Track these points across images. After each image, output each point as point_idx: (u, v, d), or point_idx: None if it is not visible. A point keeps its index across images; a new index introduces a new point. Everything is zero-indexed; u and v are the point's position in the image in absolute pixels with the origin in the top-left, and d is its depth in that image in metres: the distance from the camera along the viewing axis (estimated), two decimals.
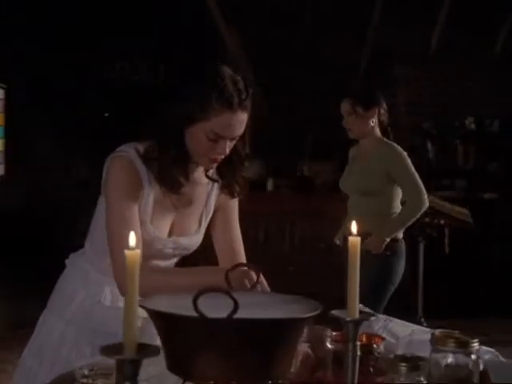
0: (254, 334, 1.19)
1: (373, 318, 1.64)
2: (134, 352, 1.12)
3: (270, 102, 6.89)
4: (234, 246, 2.05)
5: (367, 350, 1.60)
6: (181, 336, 1.21)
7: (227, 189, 2.00)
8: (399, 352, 1.71)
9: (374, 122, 3.87)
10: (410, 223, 3.88)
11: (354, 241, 1.42)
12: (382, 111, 3.92)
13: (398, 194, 3.91)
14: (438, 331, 1.44)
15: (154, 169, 1.84)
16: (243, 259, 2.05)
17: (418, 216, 3.87)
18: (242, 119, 1.81)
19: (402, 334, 1.80)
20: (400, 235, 3.94)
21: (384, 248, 3.80)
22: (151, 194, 1.86)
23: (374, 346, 1.62)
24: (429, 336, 1.67)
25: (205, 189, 2.00)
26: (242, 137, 1.90)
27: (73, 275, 2.00)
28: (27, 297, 5.14)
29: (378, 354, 1.61)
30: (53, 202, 8.81)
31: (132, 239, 1.70)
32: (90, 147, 8.05)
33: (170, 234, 1.95)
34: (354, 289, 1.41)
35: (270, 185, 7.10)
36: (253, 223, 6.85)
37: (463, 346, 1.40)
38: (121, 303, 1.93)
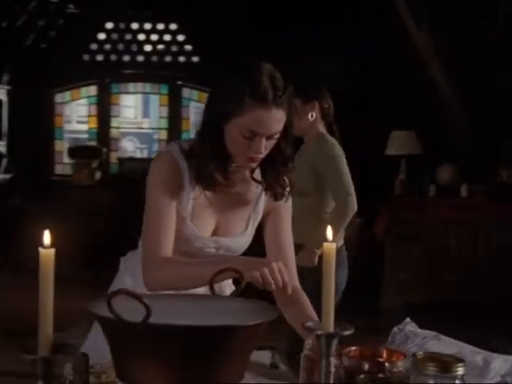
0: (167, 339, 1.15)
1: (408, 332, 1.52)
2: (48, 351, 1.13)
3: (462, 102, 6.57)
4: (283, 252, 1.99)
5: (377, 367, 1.47)
6: (110, 338, 1.21)
7: (270, 191, 1.94)
8: None
9: (313, 116, 3.60)
10: (340, 229, 3.49)
11: (329, 247, 1.33)
12: (326, 106, 3.64)
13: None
14: (419, 353, 1.29)
15: (194, 166, 1.84)
16: (291, 266, 1.99)
17: (347, 221, 3.50)
18: (277, 116, 1.76)
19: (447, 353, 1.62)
20: (339, 242, 3.55)
21: (318, 260, 3.42)
22: (192, 191, 1.86)
23: (387, 364, 1.48)
24: (479, 358, 1.51)
25: (254, 191, 1.96)
26: (286, 137, 1.84)
27: (123, 273, 2.06)
28: None
29: (390, 372, 1.47)
30: None
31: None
32: None
33: (215, 233, 1.94)
34: (328, 300, 1.32)
35: (463, 191, 6.74)
36: (443, 230, 6.57)
37: (446, 371, 1.24)
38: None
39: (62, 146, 10.06)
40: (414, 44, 6.74)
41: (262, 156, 1.81)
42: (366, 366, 1.49)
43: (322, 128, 3.64)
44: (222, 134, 1.80)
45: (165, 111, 10.36)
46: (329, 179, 3.46)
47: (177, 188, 1.85)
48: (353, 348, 1.57)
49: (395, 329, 1.71)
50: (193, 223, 1.88)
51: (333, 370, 1.30)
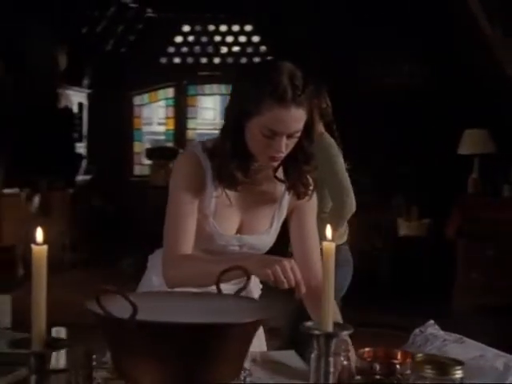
0: (156, 336, 1.16)
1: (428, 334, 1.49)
2: (41, 346, 1.16)
3: None
4: (308, 250, 1.98)
5: (388, 368, 1.45)
6: (105, 335, 1.23)
7: (293, 189, 1.93)
8: None
9: None
10: (338, 229, 3.42)
11: (329, 246, 1.31)
12: (324, 105, 3.57)
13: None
14: (418, 355, 1.26)
15: (216, 165, 1.86)
16: (316, 263, 1.97)
17: (344, 221, 3.45)
18: (296, 115, 1.75)
19: (462, 358, 1.57)
20: (341, 240, 3.49)
21: None
22: (214, 190, 1.88)
23: (398, 366, 1.45)
24: (500, 362, 1.48)
25: (279, 189, 1.96)
26: (308, 135, 1.83)
27: (150, 271, 2.09)
28: None
29: (401, 375, 1.44)
30: None
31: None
32: None
33: (239, 231, 1.94)
34: (327, 300, 1.31)
35: None
36: None
37: (444, 373, 1.21)
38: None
39: (140, 148, 10.29)
40: (487, 43, 6.55)
41: (282, 155, 1.80)
42: (378, 368, 1.47)
43: (320, 127, 3.58)
44: (243, 133, 1.80)
45: None
46: (326, 179, 3.40)
47: (199, 186, 1.87)
48: (367, 349, 1.55)
49: (416, 330, 1.67)
50: (216, 221, 1.89)
51: (332, 369, 1.29)
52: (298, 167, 1.89)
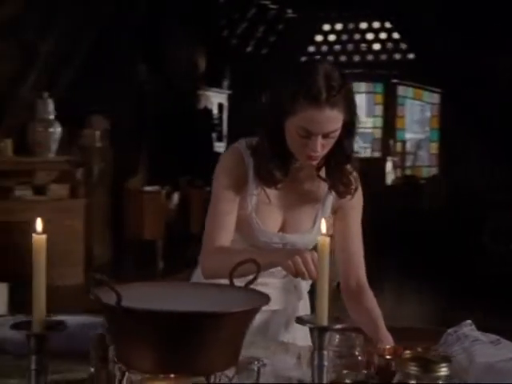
0: (143, 323, 1.21)
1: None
2: (41, 328, 1.25)
3: None
4: (351, 249, 1.96)
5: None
6: (107, 321, 1.30)
7: (333, 189, 1.91)
8: (470, 379, 1.46)
9: None
10: None
11: (324, 240, 1.31)
12: None
13: None
14: (406, 352, 1.23)
15: (256, 163, 1.88)
16: (359, 262, 1.95)
17: None
18: (330, 116, 1.74)
19: (488, 359, 1.50)
20: None
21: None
22: (255, 187, 1.90)
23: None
24: None
25: (323, 188, 1.94)
26: (348, 135, 1.82)
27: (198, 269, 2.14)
28: None
29: None
30: (476, 202, 8.78)
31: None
32: None
33: (282, 229, 1.95)
34: (322, 293, 1.30)
35: None
36: None
37: (428, 371, 1.17)
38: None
39: None
40: None
41: (319, 154, 1.79)
42: (394, 365, 1.44)
43: None
44: (282, 132, 1.82)
45: (379, 110, 10.32)
46: None
47: (241, 182, 1.90)
48: (387, 346, 1.52)
49: (450, 330, 1.61)
50: (258, 218, 1.91)
51: (326, 363, 1.29)
52: (339, 167, 1.87)
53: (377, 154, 10.46)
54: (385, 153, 10.21)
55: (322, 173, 1.91)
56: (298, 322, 1.32)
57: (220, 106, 9.64)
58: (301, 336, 1.99)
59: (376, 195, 9.07)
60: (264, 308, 1.95)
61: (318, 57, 10.55)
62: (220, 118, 9.61)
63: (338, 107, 1.74)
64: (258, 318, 1.89)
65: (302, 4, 10.11)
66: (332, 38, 10.71)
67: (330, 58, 10.59)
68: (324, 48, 10.69)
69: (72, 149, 7.22)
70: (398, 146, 10.26)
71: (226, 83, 9.81)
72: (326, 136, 1.77)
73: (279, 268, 1.93)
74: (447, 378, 1.16)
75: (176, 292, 1.42)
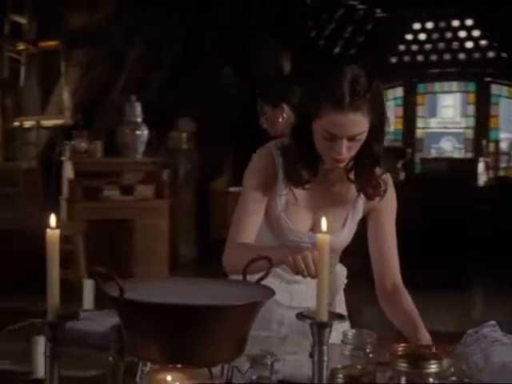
0: (146, 315, 1.27)
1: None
2: (55, 317, 1.34)
3: None
4: (384, 250, 1.96)
5: None
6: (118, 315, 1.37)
7: (361, 191, 1.92)
8: (485, 379, 1.45)
9: (284, 118, 3.54)
10: None
11: (324, 238, 1.34)
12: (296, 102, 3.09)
13: None
14: (400, 348, 1.23)
15: (285, 163, 1.91)
16: (393, 264, 1.94)
17: None
18: (354, 120, 1.75)
19: (503, 359, 1.47)
20: None
21: None
22: (284, 186, 1.93)
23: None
24: None
25: (352, 190, 1.95)
26: (376, 138, 1.82)
27: None
28: None
29: None
30: None
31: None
32: None
33: (312, 229, 1.97)
34: (323, 289, 1.33)
35: None
36: None
37: (418, 367, 1.18)
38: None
39: None
40: None
41: (345, 157, 1.81)
42: None
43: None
44: (310, 133, 1.84)
45: (471, 109, 10.08)
46: None
47: (270, 182, 1.93)
48: (402, 345, 1.52)
49: (471, 330, 1.59)
50: (288, 217, 1.94)
51: (325, 358, 1.31)
52: (367, 169, 1.88)
53: (469, 155, 10.23)
54: (477, 153, 9.96)
55: (352, 175, 1.92)
56: (298, 318, 1.35)
57: None
58: (333, 335, 2.00)
59: (467, 196, 8.91)
60: (296, 305, 1.99)
61: (405, 57, 10.43)
62: None
63: (361, 111, 1.75)
64: (291, 315, 1.93)
65: (391, 3, 10.00)
66: (422, 36, 10.53)
67: (421, 57, 10.43)
68: (414, 47, 10.52)
69: (159, 151, 7.43)
70: (491, 147, 9.99)
71: None
72: (351, 139, 1.78)
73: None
74: (436, 375, 1.17)
75: (188, 287, 1.48)
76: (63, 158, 6.82)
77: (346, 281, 2.12)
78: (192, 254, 7.73)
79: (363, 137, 1.79)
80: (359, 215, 1.98)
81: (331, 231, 1.96)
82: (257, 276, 1.93)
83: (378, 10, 10.32)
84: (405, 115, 10.30)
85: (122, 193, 6.94)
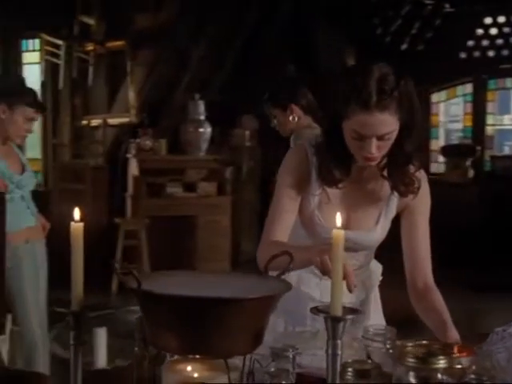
0: (162, 306, 1.31)
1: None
2: (79, 306, 1.39)
3: None
4: (416, 249, 1.95)
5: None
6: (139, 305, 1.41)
7: (394, 189, 1.91)
8: (508, 378, 1.43)
9: (294, 119, 3.76)
10: None
11: (338, 233, 1.35)
12: (304, 103, 3.77)
13: None
14: (409, 344, 1.23)
15: (318, 162, 1.92)
16: (424, 264, 1.92)
17: None
18: (381, 119, 1.74)
19: None
20: None
21: None
22: (319, 185, 1.93)
23: None
24: None
25: (386, 188, 1.94)
26: (408, 136, 1.81)
27: None
28: None
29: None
30: None
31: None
32: None
33: (345, 227, 1.97)
34: (337, 284, 1.34)
35: None
36: None
37: (425, 363, 1.18)
38: (303, 286, 2.05)
39: (436, 145, 10.18)
40: None
41: (376, 156, 1.80)
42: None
43: (307, 121, 3.73)
44: (341, 133, 1.84)
45: None
46: None
47: (304, 180, 1.94)
48: (424, 342, 1.52)
49: (498, 329, 1.57)
50: (320, 214, 1.95)
51: (339, 352, 1.32)
52: (399, 167, 1.87)
53: None
54: None
55: (386, 172, 1.92)
56: (312, 312, 1.36)
57: None
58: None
59: None
60: (328, 300, 1.99)
61: (475, 52, 10.20)
62: None
63: (389, 110, 1.74)
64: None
65: None
66: (493, 31, 10.27)
67: (492, 52, 10.18)
68: (485, 42, 10.27)
69: (222, 148, 7.51)
70: None
71: None
72: (380, 138, 1.78)
73: (351, 263, 1.97)
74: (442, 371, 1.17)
75: (209, 280, 1.51)
76: (128, 156, 6.98)
77: (381, 277, 2.12)
78: (254, 250, 7.69)
79: (393, 135, 1.79)
80: (393, 213, 1.98)
81: (365, 228, 1.98)
82: (293, 273, 1.97)
83: (447, 5, 10.12)
84: (474, 112, 10.05)
85: (184, 190, 7.05)
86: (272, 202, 1.99)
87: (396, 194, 1.94)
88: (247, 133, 7.88)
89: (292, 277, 2.03)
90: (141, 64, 7.35)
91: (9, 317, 3.24)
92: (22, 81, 3.52)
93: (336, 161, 1.88)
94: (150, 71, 7.32)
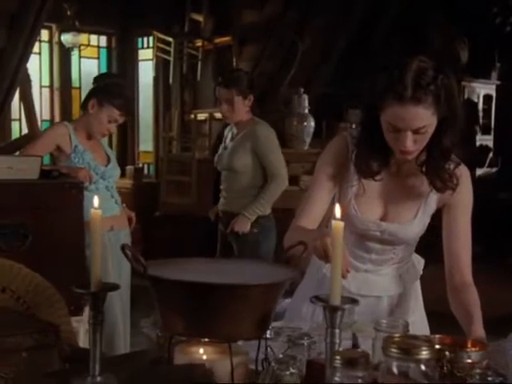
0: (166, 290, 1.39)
1: None
2: (97, 288, 1.49)
3: None
4: (456, 249, 1.92)
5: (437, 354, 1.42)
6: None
7: (432, 184, 1.88)
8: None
9: (247, 107, 4.00)
10: (271, 202, 4.05)
11: (338, 224, 1.37)
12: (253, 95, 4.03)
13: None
14: (396, 335, 1.24)
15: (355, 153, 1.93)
16: (463, 264, 1.89)
17: (277, 195, 4.07)
18: (415, 112, 1.73)
19: None
20: (268, 211, 4.03)
21: (251, 226, 3.91)
22: (357, 177, 1.94)
23: (447, 352, 1.41)
24: None
25: (426, 183, 1.92)
26: (445, 131, 1.79)
27: None
28: None
29: (450, 362, 1.40)
30: None
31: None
32: None
33: (383, 218, 1.96)
34: (336, 273, 1.36)
35: None
36: None
37: (409, 354, 1.19)
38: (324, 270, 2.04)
39: None
40: None
41: (412, 150, 1.79)
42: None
43: (250, 113, 4.03)
44: (379, 125, 1.84)
45: None
46: (265, 158, 3.95)
47: (342, 169, 1.95)
48: (437, 336, 1.51)
49: None
50: (357, 204, 1.96)
51: (337, 341, 1.35)
52: (436, 162, 1.86)
53: None
54: None
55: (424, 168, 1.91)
56: (312, 301, 1.39)
57: (487, 97, 9.27)
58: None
59: None
60: (365, 293, 2.00)
61: None
62: (487, 110, 9.24)
63: (423, 104, 1.73)
64: (367, 303, 1.96)
65: None
66: None
67: None
68: None
69: (327, 142, 7.50)
70: None
71: (494, 74, 9.39)
72: (415, 132, 1.77)
73: (385, 256, 1.98)
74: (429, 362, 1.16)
75: (223, 267, 1.57)
76: None
77: (421, 272, 2.10)
78: None
79: (429, 130, 1.78)
80: (432, 208, 1.96)
81: (402, 221, 1.97)
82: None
83: None
84: None
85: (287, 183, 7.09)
86: (308, 187, 2.02)
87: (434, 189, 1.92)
88: (353, 126, 7.84)
89: (329, 267, 2.05)
90: (246, 59, 7.47)
91: None
92: (117, 82, 3.69)
93: (373, 153, 1.89)
94: (255, 66, 7.42)
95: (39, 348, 2.00)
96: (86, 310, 3.43)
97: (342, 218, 1.98)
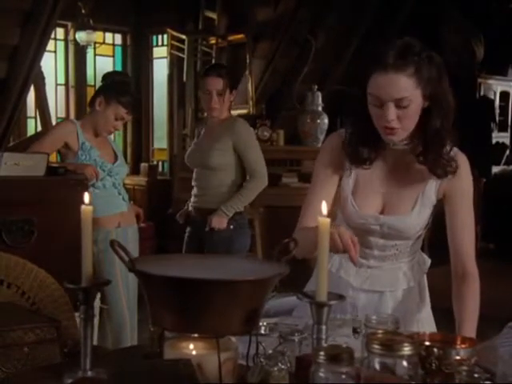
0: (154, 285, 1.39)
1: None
2: (88, 283, 1.50)
3: None
4: (458, 240, 1.92)
5: (426, 351, 1.42)
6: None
7: (432, 172, 1.87)
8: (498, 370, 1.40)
9: (231, 101, 3.99)
10: (250, 200, 3.96)
11: (324, 221, 1.37)
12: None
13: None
14: (379, 331, 1.23)
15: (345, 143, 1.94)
16: (465, 251, 1.88)
17: (257, 192, 3.94)
18: (396, 81, 1.74)
19: None
20: (241, 208, 3.95)
21: (227, 223, 3.85)
22: (354, 169, 1.94)
23: (435, 349, 1.40)
24: None
25: (423, 173, 1.91)
26: (438, 114, 1.79)
27: None
28: None
29: (438, 359, 1.39)
30: None
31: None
32: None
33: (382, 212, 1.96)
34: (323, 269, 1.37)
35: None
36: None
37: (391, 350, 1.19)
38: (343, 273, 2.05)
39: None
40: None
41: (396, 126, 1.79)
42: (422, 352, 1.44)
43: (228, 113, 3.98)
44: (367, 112, 1.84)
45: None
46: (246, 154, 3.88)
47: (338, 164, 1.96)
48: (427, 332, 1.51)
49: (511, 323, 1.53)
50: (356, 200, 1.95)
51: (324, 337, 1.35)
52: (433, 148, 1.85)
53: None
54: None
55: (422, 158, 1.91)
56: (298, 298, 1.39)
57: (504, 94, 9.21)
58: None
59: None
60: (368, 288, 1.99)
61: None
62: (503, 107, 9.18)
63: (405, 72, 1.75)
64: (364, 298, 1.96)
65: None
66: None
67: None
68: None
69: None
70: None
71: (511, 71, 9.32)
72: (398, 105, 1.77)
73: (388, 252, 1.97)
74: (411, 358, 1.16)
75: (210, 262, 1.57)
76: None
77: (426, 271, 2.09)
78: None
79: (413, 105, 1.78)
80: (431, 200, 1.95)
81: (400, 213, 1.96)
82: (335, 257, 1.99)
83: None
84: None
85: (300, 180, 7.09)
86: (309, 186, 2.03)
87: (434, 180, 1.92)
88: None
89: (335, 261, 2.05)
90: (260, 57, 7.47)
91: (97, 295, 3.44)
92: (124, 80, 3.70)
93: (362, 139, 1.90)
94: (269, 63, 7.42)
95: (41, 343, 2.03)
96: (97, 307, 3.46)
97: (345, 214, 2.01)
